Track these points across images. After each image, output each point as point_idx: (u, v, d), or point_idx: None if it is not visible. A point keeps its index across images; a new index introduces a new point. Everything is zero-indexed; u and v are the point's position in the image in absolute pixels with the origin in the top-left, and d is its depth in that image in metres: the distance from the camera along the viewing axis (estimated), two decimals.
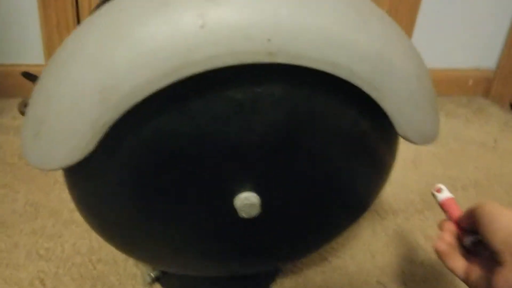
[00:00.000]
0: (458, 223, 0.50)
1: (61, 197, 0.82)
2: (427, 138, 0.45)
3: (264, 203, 0.44)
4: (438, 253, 0.49)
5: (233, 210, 0.44)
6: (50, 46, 1.14)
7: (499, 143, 1.16)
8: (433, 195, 0.53)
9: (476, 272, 0.45)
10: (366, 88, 0.39)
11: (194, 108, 0.39)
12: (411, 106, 0.42)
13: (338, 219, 0.53)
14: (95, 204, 0.46)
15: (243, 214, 0.44)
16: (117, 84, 0.35)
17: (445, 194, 0.52)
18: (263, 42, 0.34)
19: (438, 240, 0.50)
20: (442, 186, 0.53)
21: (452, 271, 0.48)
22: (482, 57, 1.41)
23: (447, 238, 0.50)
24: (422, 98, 0.42)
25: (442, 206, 0.53)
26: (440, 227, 0.52)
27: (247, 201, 0.43)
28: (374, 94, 0.39)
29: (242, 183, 0.43)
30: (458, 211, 0.51)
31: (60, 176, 0.87)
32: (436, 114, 0.46)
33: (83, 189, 0.46)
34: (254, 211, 0.44)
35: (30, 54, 1.16)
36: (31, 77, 0.62)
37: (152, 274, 0.64)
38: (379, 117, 0.44)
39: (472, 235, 0.48)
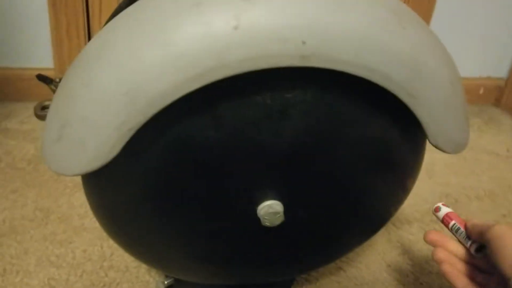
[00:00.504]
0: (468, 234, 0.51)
1: (71, 203, 0.80)
2: (459, 146, 0.44)
3: (288, 212, 0.43)
4: (446, 274, 0.51)
5: (256, 219, 0.43)
6: (60, 51, 1.13)
7: None
8: (435, 215, 0.55)
9: None
10: (401, 95, 0.38)
11: (221, 113, 0.37)
12: (445, 113, 0.41)
13: (359, 230, 0.52)
14: (115, 210, 0.45)
15: (267, 222, 0.43)
16: (145, 86, 0.34)
17: (444, 210, 0.54)
18: (297, 44, 0.33)
19: (442, 263, 0.51)
20: (440, 204, 0.55)
21: None
22: (494, 66, 1.40)
23: (450, 258, 0.52)
24: (456, 105, 0.41)
25: (444, 221, 0.54)
26: (431, 241, 0.53)
27: (271, 209, 0.42)
28: (408, 101, 0.38)
29: (267, 191, 0.42)
30: (462, 223, 0.52)
31: (70, 182, 0.86)
32: (467, 122, 0.44)
33: (103, 195, 0.44)
34: (278, 220, 0.43)
35: (40, 58, 1.15)
36: (45, 79, 0.61)
37: (165, 282, 0.62)
38: (408, 127, 0.43)
39: (477, 243, 0.50)
